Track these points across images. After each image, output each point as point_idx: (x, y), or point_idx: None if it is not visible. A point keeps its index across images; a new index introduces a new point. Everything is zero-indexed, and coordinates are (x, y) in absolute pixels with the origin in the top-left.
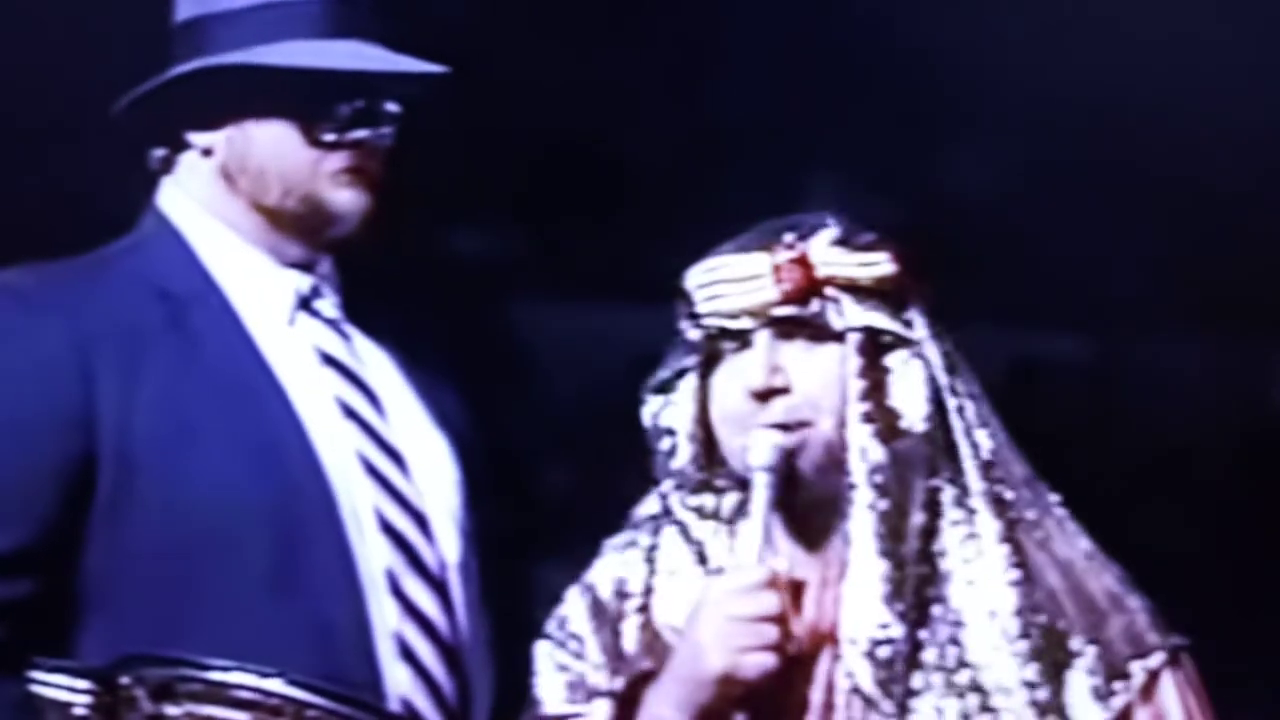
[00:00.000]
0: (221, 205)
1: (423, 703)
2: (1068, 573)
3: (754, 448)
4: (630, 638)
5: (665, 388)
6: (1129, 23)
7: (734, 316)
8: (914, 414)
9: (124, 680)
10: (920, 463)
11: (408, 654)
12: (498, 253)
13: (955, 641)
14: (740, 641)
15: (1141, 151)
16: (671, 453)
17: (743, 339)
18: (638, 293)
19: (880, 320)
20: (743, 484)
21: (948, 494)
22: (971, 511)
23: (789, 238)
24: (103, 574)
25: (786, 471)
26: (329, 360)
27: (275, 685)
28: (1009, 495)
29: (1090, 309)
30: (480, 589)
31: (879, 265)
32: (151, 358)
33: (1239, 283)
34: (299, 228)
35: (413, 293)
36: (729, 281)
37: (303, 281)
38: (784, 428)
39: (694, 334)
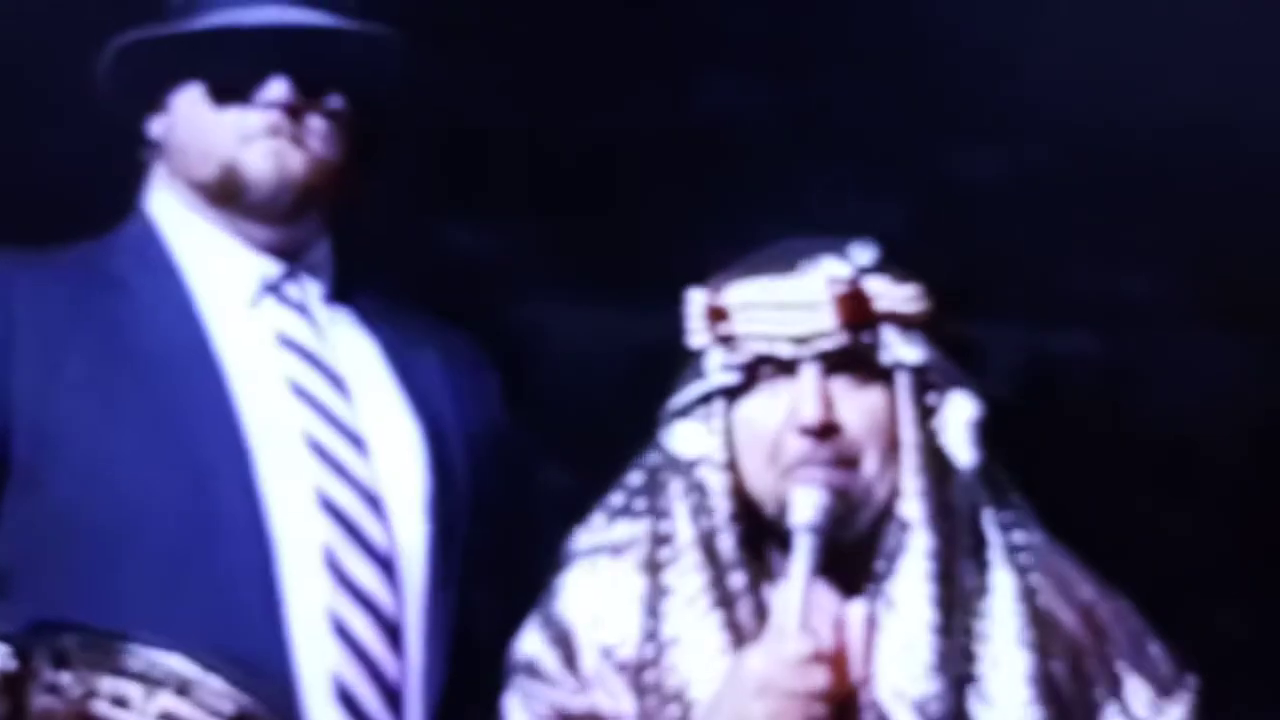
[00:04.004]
0: (179, 191)
1: (355, 678)
2: (1089, 617)
3: (797, 505)
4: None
5: (688, 412)
6: (1142, 19)
7: (781, 343)
8: (963, 455)
9: (34, 649)
10: (966, 508)
11: (342, 630)
12: (501, 250)
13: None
14: (794, 718)
15: (1157, 147)
16: (702, 484)
17: (785, 368)
18: (641, 290)
19: (928, 357)
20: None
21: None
22: (986, 564)
23: (842, 268)
24: (17, 548)
25: (829, 526)
26: (288, 343)
27: (165, 659)
28: (1025, 539)
29: (1106, 305)
30: (459, 570)
31: (920, 300)
32: (81, 341)
33: (1255, 279)
34: (224, 196)
35: (416, 288)
36: (781, 307)
37: (270, 266)
38: (830, 465)
39: (727, 356)
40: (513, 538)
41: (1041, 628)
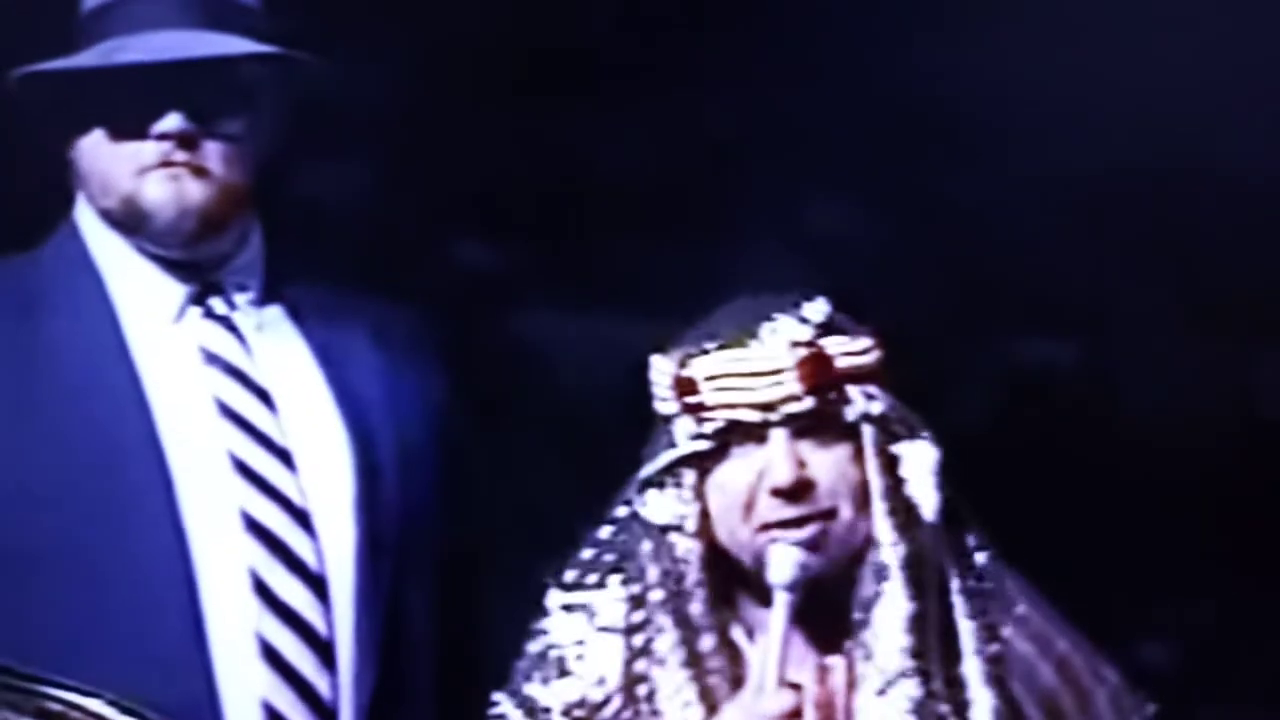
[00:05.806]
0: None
1: (286, 702)
2: (1064, 668)
3: (775, 564)
4: None
5: (658, 482)
6: (1117, 34)
7: (748, 410)
8: (928, 504)
9: None
10: (935, 557)
11: (270, 653)
12: (503, 264)
13: None
14: None
15: (1131, 158)
16: (672, 549)
17: (753, 434)
18: (639, 303)
19: (889, 408)
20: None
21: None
22: (952, 608)
23: (801, 330)
24: None
25: (807, 583)
26: (213, 359)
27: (90, 703)
28: (985, 586)
29: (1082, 314)
30: (390, 576)
31: (874, 350)
32: (5, 360)
33: (1228, 286)
34: (128, 225)
35: (419, 302)
36: (747, 375)
37: (195, 281)
38: (805, 522)
39: (697, 426)
40: (448, 531)
41: (1013, 674)
